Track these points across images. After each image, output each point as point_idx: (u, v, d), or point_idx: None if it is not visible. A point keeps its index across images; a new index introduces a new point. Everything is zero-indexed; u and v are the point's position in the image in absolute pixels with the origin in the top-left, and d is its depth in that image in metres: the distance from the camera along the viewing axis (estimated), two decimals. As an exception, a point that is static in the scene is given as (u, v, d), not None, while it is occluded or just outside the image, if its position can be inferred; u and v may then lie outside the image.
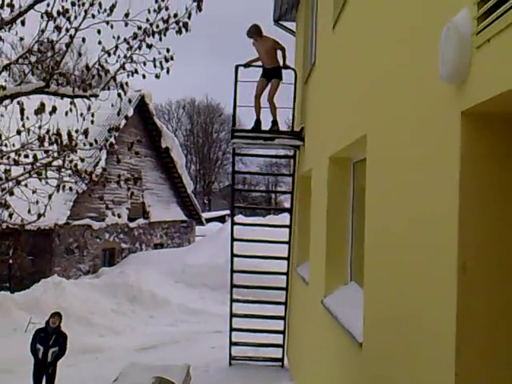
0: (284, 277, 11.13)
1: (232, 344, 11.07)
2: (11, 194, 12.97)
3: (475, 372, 2.47)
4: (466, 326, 2.47)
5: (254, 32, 10.15)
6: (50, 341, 8.66)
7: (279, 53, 10.24)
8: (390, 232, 3.72)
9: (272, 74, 10.09)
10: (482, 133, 2.52)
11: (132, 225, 24.03)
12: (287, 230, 11.13)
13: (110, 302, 16.39)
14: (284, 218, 16.55)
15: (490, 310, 2.48)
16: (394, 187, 3.68)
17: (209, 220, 36.84)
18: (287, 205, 12.60)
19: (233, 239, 11.10)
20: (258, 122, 10.26)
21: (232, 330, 11.05)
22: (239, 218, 13.28)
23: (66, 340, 8.97)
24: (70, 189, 14.02)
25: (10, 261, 17.73)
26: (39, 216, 13.12)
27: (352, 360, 4.73)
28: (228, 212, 44.84)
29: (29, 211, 13.23)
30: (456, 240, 2.51)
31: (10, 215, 12.96)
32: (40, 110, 11.32)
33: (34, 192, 12.98)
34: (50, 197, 13.19)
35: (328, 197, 6.39)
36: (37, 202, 13.17)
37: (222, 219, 42.85)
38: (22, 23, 10.83)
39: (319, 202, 7.05)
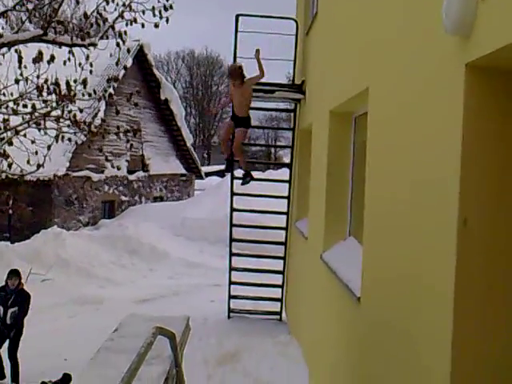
0: (283, 231, 11.16)
1: (231, 297, 11.16)
2: (10, 143, 12.91)
3: (473, 325, 2.47)
4: (465, 280, 2.46)
5: (238, 76, 8.90)
6: (8, 301, 8.25)
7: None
8: (390, 188, 3.69)
9: (241, 122, 9.29)
10: (485, 86, 2.47)
11: (131, 177, 24.02)
12: (287, 184, 11.11)
13: (109, 254, 16.49)
14: (283, 173, 16.52)
15: (489, 264, 2.47)
16: (395, 142, 3.63)
17: (208, 174, 36.82)
18: (287, 160, 12.56)
19: (232, 193, 11.09)
20: (228, 162, 10.09)
21: (231, 283, 11.13)
22: (239, 173, 13.17)
23: (28, 300, 8.41)
24: (69, 140, 13.96)
25: (10, 211, 17.74)
26: (38, 166, 13.08)
27: (350, 314, 4.76)
28: (228, 166, 44.80)
29: (28, 162, 13.20)
30: (457, 196, 2.48)
31: (10, 165, 12.93)
32: (38, 58, 11.16)
33: (33, 142, 12.93)
34: (49, 147, 13.14)
35: (328, 151, 6.34)
36: (36, 153, 13.12)
37: (221, 173, 42.79)
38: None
39: (319, 156, 7.01)
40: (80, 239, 16.71)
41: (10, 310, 8.24)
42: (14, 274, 8.43)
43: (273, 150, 57.43)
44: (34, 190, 18.09)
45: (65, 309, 12.06)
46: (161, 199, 26.39)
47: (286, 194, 11.02)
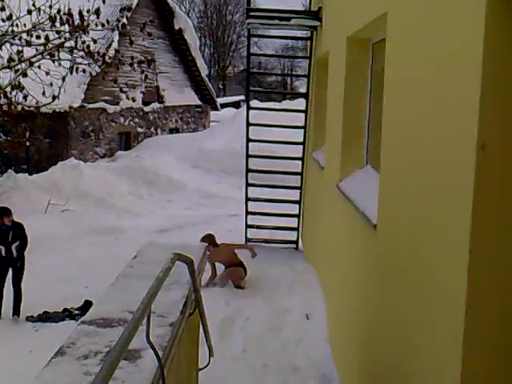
0: (299, 162, 11.15)
1: (248, 227, 11.29)
2: (25, 75, 12.89)
3: (489, 250, 2.47)
4: (483, 204, 2.46)
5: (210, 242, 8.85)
6: (8, 238, 8.53)
7: None
8: (408, 115, 3.64)
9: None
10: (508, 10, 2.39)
11: (147, 109, 23.93)
12: (303, 115, 11.02)
13: (127, 186, 16.63)
14: (299, 104, 16.37)
15: (507, 193, 2.45)
16: (413, 68, 3.56)
17: (223, 105, 36.52)
18: (303, 90, 12.41)
19: (248, 124, 11.04)
20: None
21: (248, 213, 11.24)
22: (254, 104, 13.06)
23: (24, 230, 8.72)
24: (84, 71, 13.90)
25: (27, 143, 17.85)
26: (54, 98, 13.09)
27: (366, 241, 4.80)
28: (243, 97, 44.38)
29: (43, 93, 13.21)
30: (476, 120, 2.44)
31: (25, 97, 12.94)
32: (50, -13, 11.01)
33: (47, 74, 12.90)
34: (63, 79, 13.12)
35: (345, 79, 6.24)
36: (51, 84, 13.11)
37: (236, 105, 42.49)
38: None
39: (336, 85, 6.91)
40: (98, 170, 16.83)
41: (14, 245, 8.52)
42: (8, 210, 8.65)
43: (289, 80, 56.67)
44: (51, 123, 18.12)
45: (84, 238, 12.29)
46: (176, 131, 26.36)
47: (301, 125, 10.95)
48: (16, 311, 8.49)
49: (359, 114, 6.13)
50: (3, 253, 8.44)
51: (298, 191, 11.30)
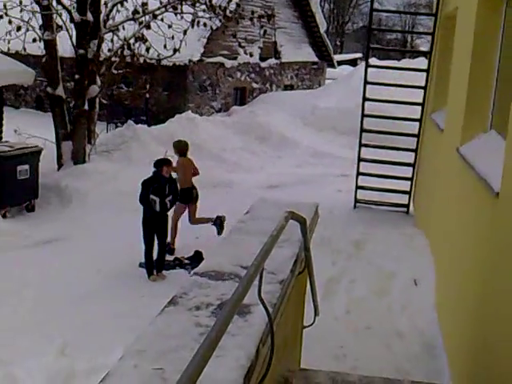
0: (416, 123, 10.77)
1: (358, 188, 11.11)
2: (148, 27, 13.21)
3: None
4: None
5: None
6: (165, 191, 8.06)
7: None
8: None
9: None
10: None
11: (263, 65, 23.92)
12: (422, 74, 10.59)
13: (239, 140, 16.79)
14: (420, 63, 15.76)
15: None
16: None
17: (340, 63, 35.85)
18: (424, 49, 11.88)
19: (366, 82, 10.75)
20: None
21: (359, 174, 11.05)
22: (373, 61, 12.71)
23: (177, 185, 8.50)
24: (205, 25, 14.06)
25: (147, 95, 18.40)
26: (174, 51, 13.35)
27: (485, 209, 4.57)
28: (360, 55, 43.42)
29: (165, 46, 13.50)
30: None
31: (147, 49, 13.28)
32: None
33: (169, 27, 13.15)
34: (184, 32, 13.34)
35: (475, 37, 5.88)
36: (172, 38, 13.37)
37: (353, 62, 41.61)
38: None
39: (464, 43, 6.54)
40: (212, 125, 17.07)
41: (167, 199, 8.12)
42: (169, 161, 8.31)
43: (409, 38, 54.70)
44: (170, 75, 18.55)
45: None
46: (291, 87, 26.21)
47: (421, 84, 10.53)
48: (159, 267, 8.29)
49: (487, 75, 5.79)
50: (157, 206, 7.95)
51: (413, 154, 10.94)
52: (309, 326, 4.52)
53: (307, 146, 17.36)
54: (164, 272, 8.30)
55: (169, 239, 8.87)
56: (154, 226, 8.12)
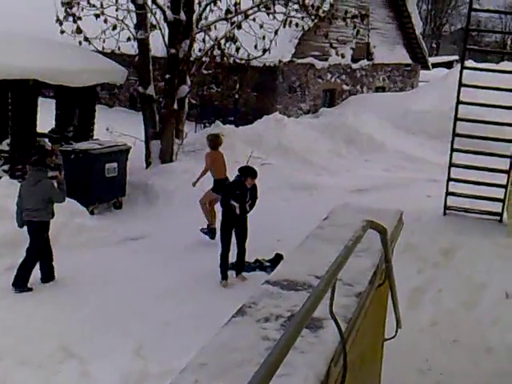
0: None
1: (448, 194, 10.68)
2: (239, 27, 13.22)
3: None
4: None
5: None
6: (246, 197, 8.18)
7: None
8: None
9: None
10: None
11: (354, 66, 23.54)
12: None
13: (327, 143, 16.58)
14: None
15: None
16: None
17: (435, 65, 34.77)
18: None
19: (460, 84, 10.31)
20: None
21: (449, 179, 10.62)
22: (469, 63, 12.21)
23: (257, 191, 8.49)
24: (296, 25, 13.93)
25: (236, 96, 18.49)
26: (264, 51, 13.32)
27: None
28: (456, 57, 42.03)
29: (255, 46, 13.48)
30: None
31: (237, 49, 13.31)
32: None
33: (261, 27, 13.12)
34: (276, 32, 13.28)
35: None
36: (263, 38, 13.33)
37: (449, 65, 40.33)
38: None
39: None
40: (300, 126, 16.95)
41: (247, 204, 8.22)
42: (255, 173, 8.31)
43: (509, 41, 52.48)
44: (260, 76, 18.54)
45: (280, 192, 12.48)
46: (383, 89, 25.65)
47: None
48: (239, 270, 8.30)
49: None
50: (237, 210, 8.04)
51: (508, 160, 10.40)
52: (390, 338, 4.33)
53: (396, 150, 16.93)
54: (244, 274, 8.25)
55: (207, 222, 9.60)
56: (234, 228, 8.17)
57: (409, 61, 26.97)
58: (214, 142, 9.94)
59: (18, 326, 6.61)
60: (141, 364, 5.67)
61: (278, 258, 8.40)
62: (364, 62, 24.02)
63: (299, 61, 20.33)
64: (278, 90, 20.46)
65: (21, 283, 7.61)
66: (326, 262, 2.51)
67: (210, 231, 9.67)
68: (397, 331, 4.29)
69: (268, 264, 8.49)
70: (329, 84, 22.56)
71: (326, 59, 21.58)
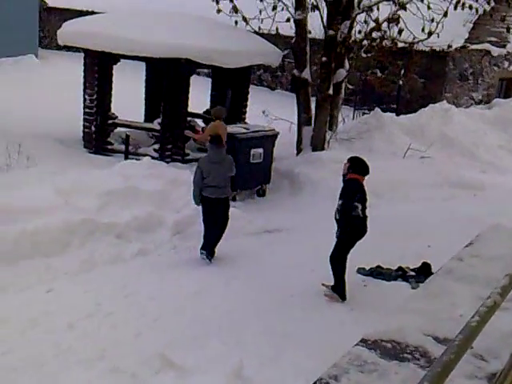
0: None
1: None
2: (403, 8, 12.20)
3: None
4: None
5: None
6: (366, 201, 6.68)
7: None
8: None
9: None
10: None
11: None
12: None
13: (498, 137, 15.03)
14: None
15: None
16: None
17: None
18: None
19: None
20: None
21: None
22: None
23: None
24: (470, 7, 12.66)
25: (400, 82, 17.33)
26: (429, 34, 12.21)
27: None
28: None
29: (422, 29, 12.39)
30: None
31: (400, 32, 12.26)
32: None
33: (428, 8, 12.08)
34: (445, 14, 12.17)
35: None
36: (432, 20, 12.23)
37: None
38: None
39: None
40: (468, 118, 15.49)
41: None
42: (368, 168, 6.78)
43: None
44: (428, 62, 17.31)
45: (438, 190, 11.32)
46: None
47: None
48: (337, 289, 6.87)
49: None
50: (359, 212, 6.56)
51: None
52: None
53: None
54: (384, 282, 7.33)
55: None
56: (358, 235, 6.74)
57: None
58: (219, 114, 10.21)
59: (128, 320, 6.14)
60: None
61: (424, 268, 7.40)
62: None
63: (473, 46, 18.66)
64: (448, 77, 18.97)
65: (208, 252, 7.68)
66: (455, 317, 1.72)
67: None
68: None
69: (412, 273, 7.48)
70: (506, 73, 20.66)
71: (504, 46, 19.74)
